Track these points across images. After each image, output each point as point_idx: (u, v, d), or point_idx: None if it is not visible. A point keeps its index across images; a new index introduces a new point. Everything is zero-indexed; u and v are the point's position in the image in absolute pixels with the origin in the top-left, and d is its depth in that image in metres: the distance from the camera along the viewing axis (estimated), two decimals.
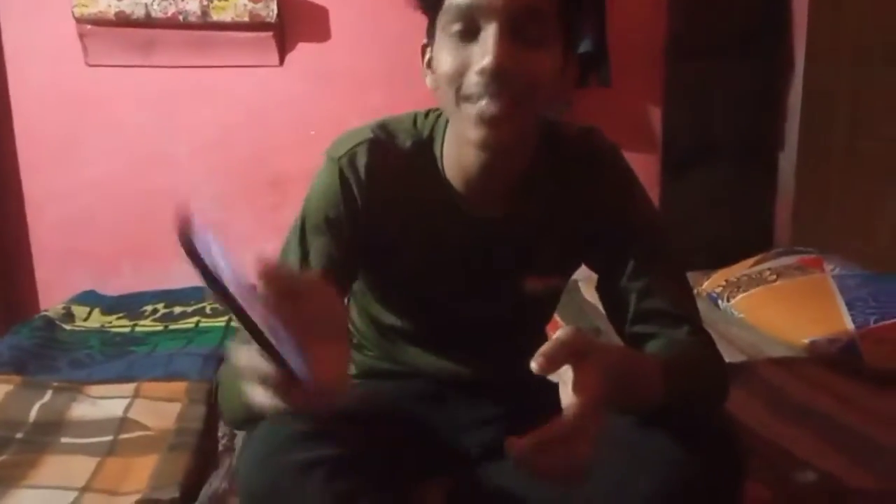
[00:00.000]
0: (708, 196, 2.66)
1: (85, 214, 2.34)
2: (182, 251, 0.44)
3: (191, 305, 2.10)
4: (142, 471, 1.21)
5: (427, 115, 0.98)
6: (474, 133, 0.81)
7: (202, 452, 1.30)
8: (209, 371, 1.65)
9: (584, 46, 2.31)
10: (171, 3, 2.18)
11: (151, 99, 2.32)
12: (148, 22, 2.20)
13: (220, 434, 1.40)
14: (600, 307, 1.05)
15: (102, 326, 1.99)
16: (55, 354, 1.76)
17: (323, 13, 2.37)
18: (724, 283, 2.06)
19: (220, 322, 1.98)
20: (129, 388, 1.55)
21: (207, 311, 2.06)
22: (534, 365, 0.62)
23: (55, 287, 2.33)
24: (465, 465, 1.00)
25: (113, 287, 2.29)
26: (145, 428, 1.40)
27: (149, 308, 2.11)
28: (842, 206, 2.40)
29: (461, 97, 0.82)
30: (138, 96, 2.32)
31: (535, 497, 0.85)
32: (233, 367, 0.59)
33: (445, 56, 0.82)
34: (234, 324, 1.82)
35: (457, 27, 0.81)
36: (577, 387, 0.64)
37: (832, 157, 2.43)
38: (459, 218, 0.94)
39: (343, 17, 2.38)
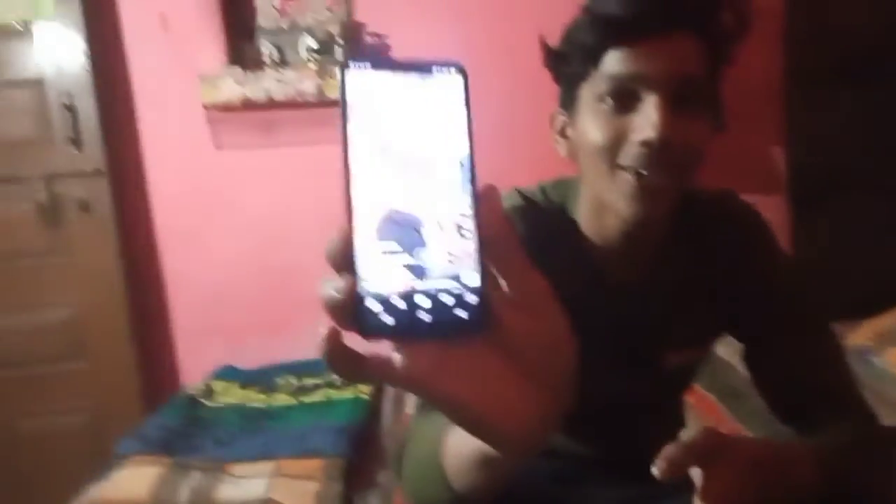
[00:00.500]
0: (845, 236, 2.46)
1: (218, 292, 2.46)
2: None
3: (321, 377, 2.16)
4: None
5: (556, 185, 0.97)
6: (628, 206, 0.80)
7: None
8: (343, 446, 1.69)
9: None
10: (289, 86, 2.30)
11: (275, 177, 2.44)
12: (269, 105, 2.32)
13: None
14: (736, 365, 0.99)
15: (240, 402, 2.07)
16: (199, 433, 1.85)
17: None
18: (873, 335, 1.91)
19: (349, 394, 2.03)
20: (268, 466, 1.61)
21: (336, 382, 2.10)
22: (655, 471, 0.58)
23: (193, 362, 2.46)
24: None
25: (247, 360, 2.39)
26: None
27: (281, 381, 2.18)
28: None
29: (617, 167, 0.80)
30: (263, 175, 2.44)
31: None
32: (419, 450, 0.56)
33: (596, 126, 0.81)
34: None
35: (612, 97, 0.79)
36: (705, 493, 0.59)
37: None
38: (600, 285, 0.92)
39: None
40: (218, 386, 2.17)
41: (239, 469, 1.62)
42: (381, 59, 0.35)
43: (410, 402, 1.55)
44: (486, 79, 2.24)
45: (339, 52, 2.30)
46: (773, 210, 2.41)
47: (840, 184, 2.46)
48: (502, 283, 0.37)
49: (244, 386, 2.18)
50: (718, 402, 1.79)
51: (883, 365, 1.83)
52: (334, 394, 2.05)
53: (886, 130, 2.47)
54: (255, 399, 2.07)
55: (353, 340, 0.35)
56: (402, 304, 0.34)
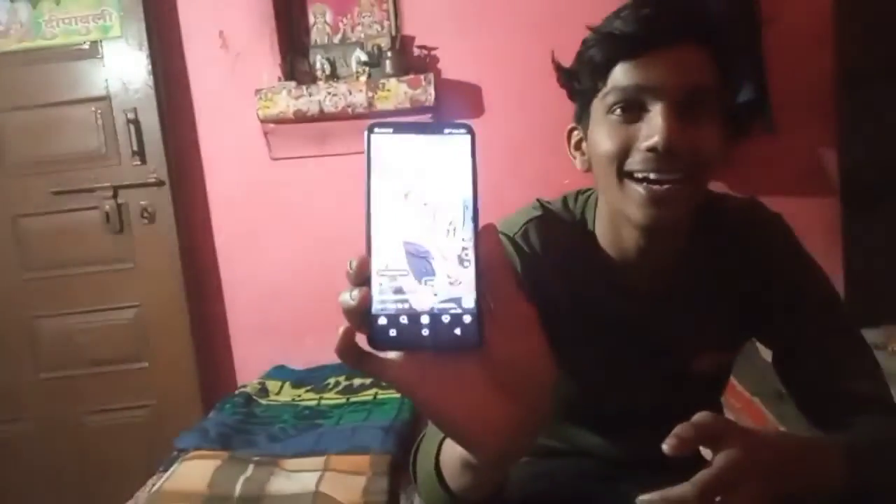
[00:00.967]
0: None
1: (272, 295, 2.56)
2: None
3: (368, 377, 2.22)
4: None
5: (577, 196, 1.00)
6: (639, 212, 0.82)
7: None
8: (389, 443, 1.74)
9: (745, 94, 2.20)
10: (341, 98, 2.38)
11: (327, 185, 2.53)
12: (322, 116, 2.41)
13: None
14: None
15: (293, 400, 2.15)
16: (254, 429, 1.94)
17: (476, 91, 2.48)
18: None
19: (396, 394, 2.08)
20: (319, 461, 1.68)
21: (383, 382, 2.16)
22: (665, 447, 0.61)
23: (249, 361, 2.57)
24: None
25: (299, 359, 2.48)
26: (336, 502, 1.49)
27: (332, 381, 2.26)
28: None
29: (624, 174, 0.82)
30: (316, 183, 2.54)
31: None
32: (426, 452, 0.61)
33: (606, 136, 0.83)
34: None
35: (620, 108, 0.82)
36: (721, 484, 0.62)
37: None
38: (621, 295, 0.94)
39: (495, 93, 2.48)
40: (272, 385, 2.26)
41: (291, 464, 1.69)
42: (401, 124, 0.42)
43: None
44: (536, 90, 2.28)
45: (388, 66, 2.37)
46: (825, 212, 2.42)
47: (893, 185, 2.41)
48: (493, 306, 0.44)
49: (296, 385, 2.26)
50: (763, 405, 1.78)
51: None
52: (382, 393, 2.11)
53: None
54: (306, 398, 2.15)
55: (363, 340, 0.42)
56: (406, 321, 0.41)
